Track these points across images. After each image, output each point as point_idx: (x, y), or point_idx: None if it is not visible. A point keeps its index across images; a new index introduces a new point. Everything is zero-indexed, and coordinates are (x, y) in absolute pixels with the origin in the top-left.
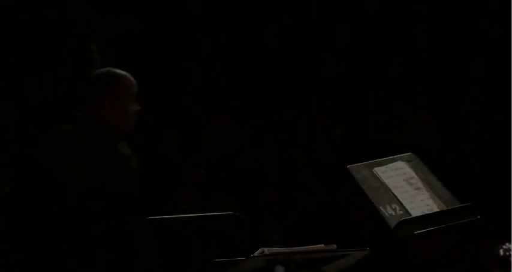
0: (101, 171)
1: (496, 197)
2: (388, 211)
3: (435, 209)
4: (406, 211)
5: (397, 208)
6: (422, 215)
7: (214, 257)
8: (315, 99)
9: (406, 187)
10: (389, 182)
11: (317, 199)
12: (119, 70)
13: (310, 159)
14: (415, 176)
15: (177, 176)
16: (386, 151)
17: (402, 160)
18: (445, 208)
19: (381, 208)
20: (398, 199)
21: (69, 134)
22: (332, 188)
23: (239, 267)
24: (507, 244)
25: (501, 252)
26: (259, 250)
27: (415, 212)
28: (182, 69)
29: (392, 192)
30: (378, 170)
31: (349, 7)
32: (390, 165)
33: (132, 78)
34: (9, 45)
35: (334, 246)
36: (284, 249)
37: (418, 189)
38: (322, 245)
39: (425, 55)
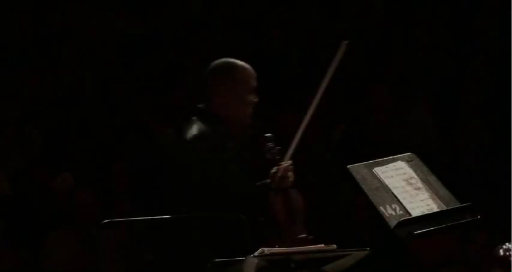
0: (209, 161)
1: (496, 197)
2: (388, 211)
3: (435, 209)
4: (406, 211)
5: (397, 208)
6: (422, 215)
7: (214, 257)
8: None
9: (406, 187)
10: (389, 182)
11: (317, 199)
12: (238, 61)
13: (310, 158)
14: (415, 176)
15: None
16: (386, 151)
17: (402, 160)
18: (445, 208)
19: (381, 208)
20: (398, 199)
21: (188, 125)
22: (332, 188)
23: (239, 267)
24: (507, 244)
25: (501, 252)
26: (259, 250)
27: (415, 212)
28: (182, 69)
29: (392, 192)
30: (377, 170)
31: (349, 7)
32: (390, 165)
33: (251, 69)
34: (10, 45)
35: (334, 246)
36: (284, 249)
37: (418, 189)
38: (322, 245)
39: (425, 55)
